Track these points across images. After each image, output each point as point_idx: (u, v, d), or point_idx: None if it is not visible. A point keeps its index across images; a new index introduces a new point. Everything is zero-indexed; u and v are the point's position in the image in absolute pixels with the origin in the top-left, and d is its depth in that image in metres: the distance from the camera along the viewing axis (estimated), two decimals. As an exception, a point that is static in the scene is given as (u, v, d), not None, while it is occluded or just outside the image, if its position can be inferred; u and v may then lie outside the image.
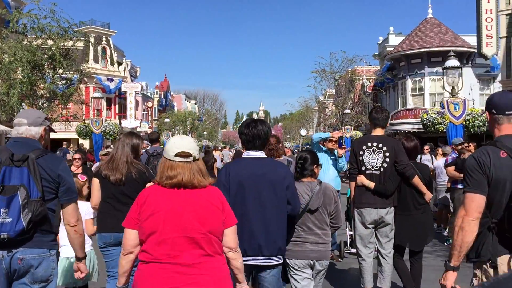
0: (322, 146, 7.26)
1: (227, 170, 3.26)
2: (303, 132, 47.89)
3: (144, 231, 2.29)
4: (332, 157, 7.22)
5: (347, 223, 7.02)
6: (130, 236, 2.34)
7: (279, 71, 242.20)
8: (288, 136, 71.00)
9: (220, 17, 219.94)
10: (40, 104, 13.83)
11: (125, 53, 37.96)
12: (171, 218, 2.27)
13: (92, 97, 18.16)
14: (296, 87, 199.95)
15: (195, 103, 73.99)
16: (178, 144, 2.37)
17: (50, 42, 13.59)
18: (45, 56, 13.10)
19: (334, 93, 38.15)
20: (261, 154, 3.32)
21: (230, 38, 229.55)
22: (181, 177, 2.31)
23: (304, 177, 3.72)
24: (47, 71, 13.66)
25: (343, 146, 7.23)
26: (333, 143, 7.20)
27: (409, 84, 25.62)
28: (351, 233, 7.39)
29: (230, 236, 2.43)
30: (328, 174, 7.04)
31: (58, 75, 14.26)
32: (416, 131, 24.18)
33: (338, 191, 7.06)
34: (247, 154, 3.33)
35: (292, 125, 59.71)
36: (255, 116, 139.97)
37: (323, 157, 7.15)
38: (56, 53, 12.87)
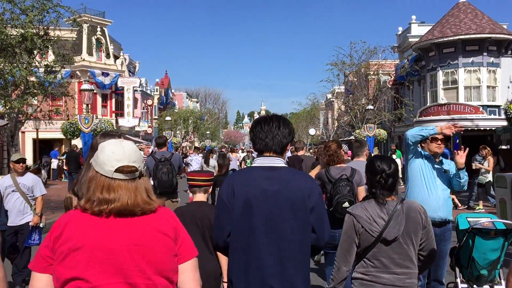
0: (420, 149, 4.71)
1: (230, 184, 2.45)
2: (312, 131, 45.64)
3: (60, 276, 1.63)
4: (437, 165, 4.63)
5: (457, 270, 4.82)
6: (39, 283, 1.67)
7: (280, 71, 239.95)
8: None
9: (221, 15, 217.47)
10: (10, 95, 11.00)
11: (123, 47, 35.25)
12: (100, 257, 1.62)
13: (81, 90, 15.48)
14: (298, 86, 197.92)
15: (197, 102, 71.63)
16: (119, 154, 1.72)
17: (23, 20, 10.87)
18: (15, 34, 10.31)
19: (343, 90, 35.77)
20: (277, 162, 2.49)
21: (231, 37, 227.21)
22: (125, 200, 1.68)
23: (389, 196, 2.78)
24: (20, 54, 10.84)
25: (461, 147, 4.51)
26: (438, 143, 4.60)
27: (440, 76, 22.83)
28: (465, 286, 4.89)
29: (188, 274, 1.79)
30: (436, 194, 4.52)
31: (35, 61, 11.46)
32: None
33: (448, 221, 4.56)
34: (258, 162, 2.52)
35: (299, 124, 57.71)
36: (256, 116, 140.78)
37: (424, 167, 4.52)
38: (28, 29, 10.08)
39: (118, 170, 1.70)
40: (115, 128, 27.82)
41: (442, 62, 22.72)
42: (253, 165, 2.59)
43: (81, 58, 26.47)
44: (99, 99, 28.20)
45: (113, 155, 1.71)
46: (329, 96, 57.54)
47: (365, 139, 21.24)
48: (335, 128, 39.77)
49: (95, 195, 1.68)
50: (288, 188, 2.40)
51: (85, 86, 15.24)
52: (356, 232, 2.74)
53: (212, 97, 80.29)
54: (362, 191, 4.57)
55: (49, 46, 11.43)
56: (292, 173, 2.54)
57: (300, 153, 8.76)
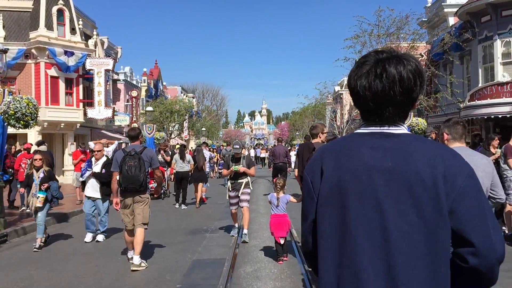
0: None
1: (318, 157, 1.54)
2: (320, 126, 40.41)
3: None
4: None
5: None
6: None
7: (281, 71, 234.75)
8: (298, 133, 64.36)
9: (220, 15, 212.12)
10: None
11: (103, 28, 29.81)
12: None
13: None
14: (299, 86, 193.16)
15: (193, 97, 66.37)
16: None
17: None
18: None
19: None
20: (392, 128, 1.46)
21: (230, 36, 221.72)
22: None
23: None
24: None
25: None
26: None
27: (498, 47, 17.46)
28: None
29: None
30: None
31: None
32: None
33: None
34: (362, 128, 1.51)
35: (305, 120, 52.86)
36: (257, 115, 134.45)
37: None
38: None
39: None
40: (33, 109, 22.50)
41: (500, 29, 17.33)
42: (355, 131, 1.53)
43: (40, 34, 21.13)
44: (62, 85, 22.74)
45: None
46: (337, 88, 52.67)
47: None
48: (345, 123, 34.70)
49: None
50: (408, 164, 1.36)
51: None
52: None
53: (210, 93, 75.23)
54: None
55: None
56: (420, 142, 1.43)
57: (315, 140, 7.00)
